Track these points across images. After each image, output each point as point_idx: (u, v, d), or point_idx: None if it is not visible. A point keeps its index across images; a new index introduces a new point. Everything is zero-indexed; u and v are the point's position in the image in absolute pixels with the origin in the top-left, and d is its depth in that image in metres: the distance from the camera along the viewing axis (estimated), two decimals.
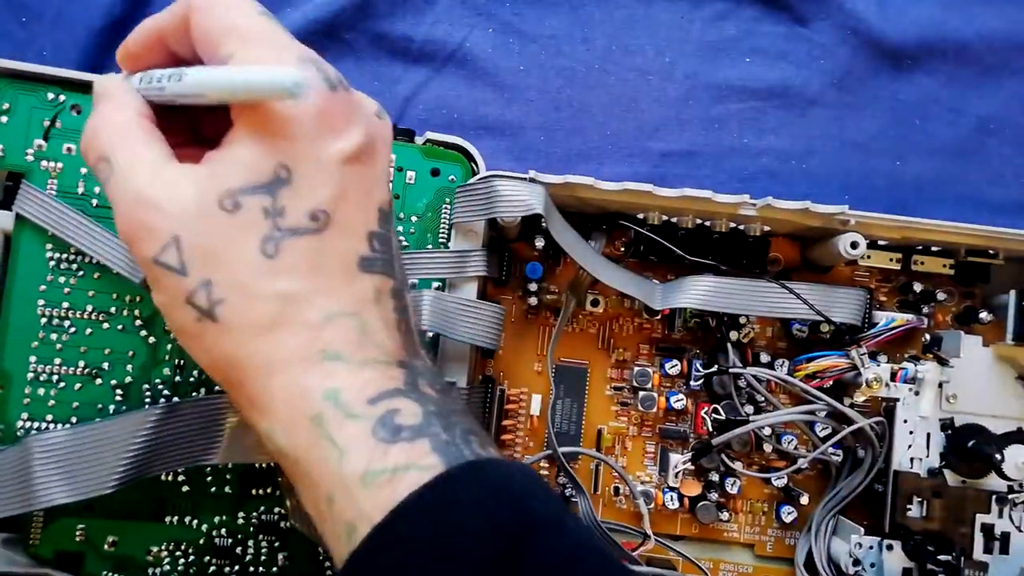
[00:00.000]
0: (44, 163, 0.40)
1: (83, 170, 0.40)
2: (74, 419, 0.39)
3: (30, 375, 0.39)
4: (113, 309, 0.40)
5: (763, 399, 0.44)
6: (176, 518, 0.40)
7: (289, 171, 0.27)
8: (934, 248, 0.45)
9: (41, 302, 0.39)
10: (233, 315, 0.27)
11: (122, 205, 0.28)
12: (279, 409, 0.27)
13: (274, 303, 0.27)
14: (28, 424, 0.39)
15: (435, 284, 0.42)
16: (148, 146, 0.29)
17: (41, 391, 0.39)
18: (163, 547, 0.40)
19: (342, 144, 0.28)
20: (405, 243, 0.42)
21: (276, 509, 0.41)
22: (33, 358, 0.39)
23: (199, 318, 0.27)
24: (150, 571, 0.40)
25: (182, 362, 0.40)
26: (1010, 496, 0.42)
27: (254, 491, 0.41)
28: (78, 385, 0.40)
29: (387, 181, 0.30)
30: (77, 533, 0.40)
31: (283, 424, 0.27)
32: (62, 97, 0.40)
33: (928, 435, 0.42)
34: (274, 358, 0.27)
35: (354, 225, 0.28)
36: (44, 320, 0.39)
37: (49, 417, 0.39)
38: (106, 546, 0.40)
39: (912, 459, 0.42)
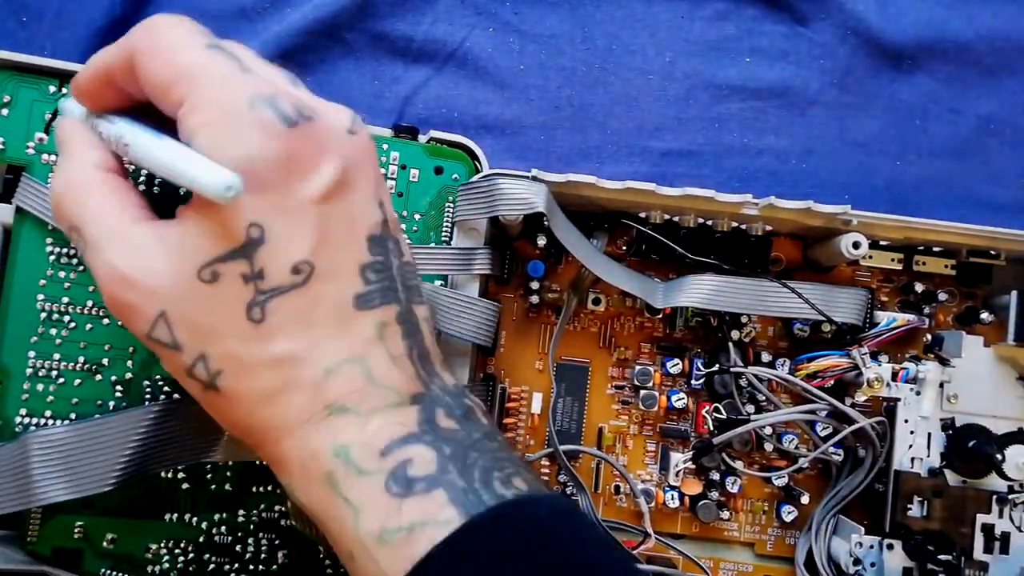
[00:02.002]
0: (45, 156, 0.40)
1: None
2: (73, 415, 0.39)
3: (29, 370, 0.39)
4: None
5: (764, 398, 0.44)
6: (175, 515, 0.40)
7: (261, 228, 0.25)
8: (936, 248, 0.45)
9: (41, 296, 0.39)
10: (233, 386, 0.26)
11: (102, 282, 0.27)
12: (293, 469, 0.27)
13: (271, 369, 0.26)
14: (27, 420, 0.39)
15: (438, 281, 0.41)
16: (113, 210, 0.27)
17: (40, 386, 0.39)
18: (162, 544, 0.40)
19: (314, 184, 0.26)
20: (408, 242, 0.42)
21: (276, 507, 0.41)
22: (32, 353, 0.39)
23: (204, 389, 0.27)
24: (149, 568, 0.40)
25: None
26: (1010, 496, 0.42)
27: (254, 488, 0.41)
28: (78, 381, 0.39)
29: (375, 199, 0.28)
30: (75, 530, 0.40)
31: (298, 483, 0.27)
32: (64, 90, 0.40)
33: (929, 435, 0.42)
34: (281, 422, 0.26)
35: (342, 265, 0.27)
36: (44, 315, 0.39)
37: (48, 413, 0.39)
38: (104, 543, 0.40)
39: (913, 459, 0.42)
